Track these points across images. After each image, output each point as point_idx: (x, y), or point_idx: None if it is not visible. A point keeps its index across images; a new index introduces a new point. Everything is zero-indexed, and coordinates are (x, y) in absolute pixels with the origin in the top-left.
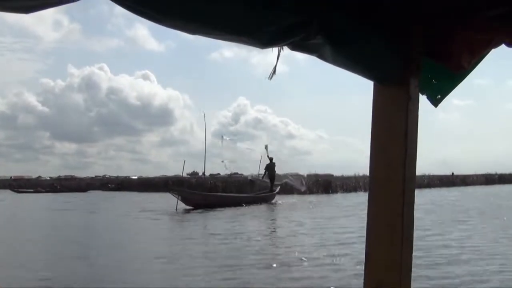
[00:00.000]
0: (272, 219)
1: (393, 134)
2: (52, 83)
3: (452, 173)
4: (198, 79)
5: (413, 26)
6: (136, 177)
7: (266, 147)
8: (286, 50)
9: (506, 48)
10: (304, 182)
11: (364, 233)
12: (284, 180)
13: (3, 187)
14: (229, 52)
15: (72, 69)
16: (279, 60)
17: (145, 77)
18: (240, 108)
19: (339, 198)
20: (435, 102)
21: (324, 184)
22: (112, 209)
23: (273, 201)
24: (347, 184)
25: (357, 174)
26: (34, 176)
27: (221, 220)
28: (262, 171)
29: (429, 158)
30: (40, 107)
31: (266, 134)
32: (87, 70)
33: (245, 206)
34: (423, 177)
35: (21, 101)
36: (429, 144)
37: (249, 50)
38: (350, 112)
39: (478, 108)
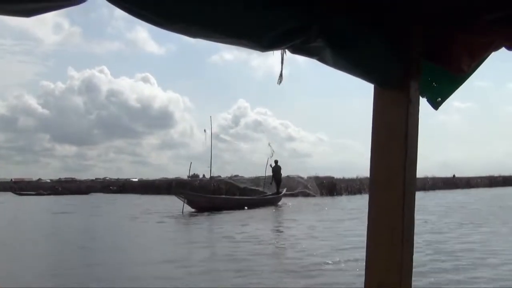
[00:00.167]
0: (281, 222)
1: (394, 137)
2: (52, 86)
3: (454, 175)
4: (198, 82)
5: (412, 29)
6: (136, 180)
7: (269, 144)
8: (287, 53)
9: (506, 51)
10: (317, 190)
11: None
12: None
13: (4, 189)
14: (229, 55)
15: (72, 72)
16: (281, 63)
17: (145, 80)
18: (240, 110)
19: (345, 201)
20: (436, 105)
21: (328, 187)
22: (117, 212)
23: (279, 203)
24: (352, 186)
25: (358, 176)
26: (35, 178)
27: (231, 223)
28: (267, 173)
29: (429, 161)
30: (40, 109)
31: (266, 136)
32: (87, 72)
33: (252, 208)
34: (427, 179)
35: (21, 104)
36: (429, 146)
37: (249, 53)
38: (351, 115)
39: (479, 110)
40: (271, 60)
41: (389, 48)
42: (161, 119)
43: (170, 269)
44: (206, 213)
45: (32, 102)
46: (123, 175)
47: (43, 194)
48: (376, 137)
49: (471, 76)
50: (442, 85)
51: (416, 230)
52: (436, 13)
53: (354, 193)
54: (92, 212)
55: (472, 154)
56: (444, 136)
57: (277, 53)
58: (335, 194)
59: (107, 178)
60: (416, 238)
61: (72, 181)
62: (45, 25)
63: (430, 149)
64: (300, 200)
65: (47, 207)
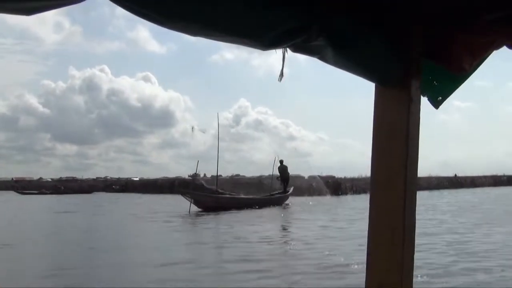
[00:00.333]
0: (292, 222)
1: (395, 136)
2: (53, 85)
3: (455, 175)
4: (199, 81)
5: (413, 27)
6: (137, 179)
7: (192, 128)
8: (288, 52)
9: (508, 50)
10: (322, 189)
11: None
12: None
13: (6, 188)
14: (230, 54)
15: (73, 71)
16: (282, 62)
17: (146, 79)
18: (241, 109)
19: (351, 200)
20: (436, 104)
21: (333, 186)
22: (123, 212)
23: (286, 202)
24: (357, 186)
25: (361, 175)
26: (36, 177)
27: (240, 223)
28: (273, 173)
29: (430, 160)
30: (41, 108)
31: (267, 136)
32: (88, 72)
33: (259, 208)
34: (431, 178)
35: (22, 103)
36: (430, 145)
37: (250, 52)
38: (351, 114)
39: (479, 110)
40: (272, 59)
41: (389, 47)
42: (162, 119)
43: (187, 270)
44: (213, 213)
45: (33, 101)
46: (124, 174)
47: (46, 193)
48: (377, 136)
49: (471, 76)
50: (443, 84)
51: (433, 230)
52: (436, 13)
53: (359, 192)
54: (98, 212)
55: (473, 154)
56: (444, 135)
57: (278, 52)
58: (340, 193)
59: (108, 177)
60: (435, 239)
61: (73, 180)
62: (46, 24)
63: (430, 148)
64: (306, 199)
65: (51, 206)
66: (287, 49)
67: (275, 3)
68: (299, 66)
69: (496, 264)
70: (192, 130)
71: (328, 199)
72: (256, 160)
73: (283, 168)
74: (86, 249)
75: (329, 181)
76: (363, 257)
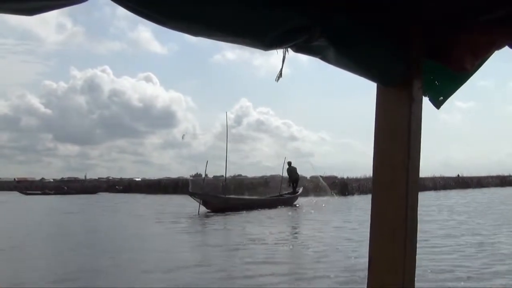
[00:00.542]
0: (305, 223)
1: (396, 136)
2: (54, 85)
3: (458, 175)
4: (201, 81)
5: (414, 28)
6: (139, 179)
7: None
8: (289, 52)
9: (510, 50)
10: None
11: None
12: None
13: (8, 188)
14: (231, 54)
15: (75, 72)
16: (282, 61)
17: (148, 79)
18: (243, 110)
19: (358, 200)
20: (438, 103)
21: (340, 186)
22: (132, 212)
23: (295, 203)
24: (364, 186)
25: (364, 176)
26: (37, 178)
27: (252, 224)
28: (285, 174)
29: (432, 160)
30: (42, 109)
31: (268, 136)
32: (89, 72)
33: (268, 209)
34: (438, 179)
35: (23, 103)
36: (431, 146)
37: (252, 52)
38: (353, 114)
39: (481, 110)
40: (274, 59)
41: (391, 47)
42: (163, 119)
43: (208, 274)
44: (222, 214)
45: (35, 101)
46: (125, 175)
47: (50, 194)
48: (379, 136)
49: (473, 76)
50: (445, 84)
51: (453, 232)
52: (437, 13)
53: (366, 193)
54: (108, 213)
55: (474, 154)
56: (446, 135)
57: (280, 52)
58: (347, 193)
59: (110, 178)
60: (459, 241)
61: (76, 180)
62: (48, 25)
63: (432, 148)
64: (314, 200)
65: (58, 207)
66: (289, 49)
67: (275, 3)
68: (301, 67)
69: None
70: (183, 138)
71: (336, 199)
72: (258, 161)
73: (291, 170)
74: (99, 252)
75: (336, 181)
76: None
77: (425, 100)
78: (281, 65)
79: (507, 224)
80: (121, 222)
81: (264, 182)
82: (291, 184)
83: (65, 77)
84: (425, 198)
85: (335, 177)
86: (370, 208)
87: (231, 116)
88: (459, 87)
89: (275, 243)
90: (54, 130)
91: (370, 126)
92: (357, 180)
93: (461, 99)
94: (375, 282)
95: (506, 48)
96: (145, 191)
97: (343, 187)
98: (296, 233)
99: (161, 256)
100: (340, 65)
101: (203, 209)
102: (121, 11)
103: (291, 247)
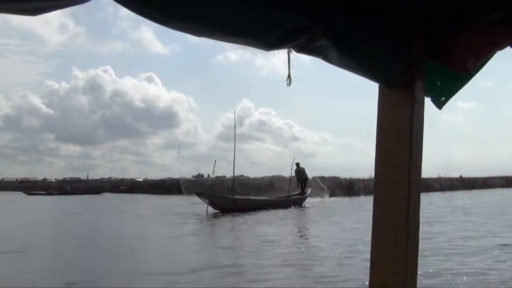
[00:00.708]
0: (317, 224)
1: (399, 137)
2: (56, 86)
3: (461, 176)
4: (203, 82)
5: (415, 28)
6: (141, 179)
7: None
8: (292, 53)
9: (511, 50)
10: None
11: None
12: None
13: (12, 189)
14: (233, 55)
15: (77, 72)
16: (284, 63)
17: (150, 80)
18: (245, 110)
19: (365, 201)
20: (440, 104)
21: (347, 187)
22: (139, 213)
23: (304, 203)
24: (370, 186)
25: (369, 176)
26: (39, 178)
27: (262, 225)
28: (292, 175)
29: (434, 161)
30: (44, 109)
31: (270, 136)
32: (91, 72)
33: (277, 209)
34: (445, 179)
35: (26, 104)
36: (433, 146)
37: (254, 53)
38: (355, 114)
39: (483, 110)
40: (275, 60)
41: (391, 47)
42: (165, 119)
43: (223, 277)
44: (230, 215)
45: (37, 102)
46: (127, 175)
47: (54, 194)
48: (381, 137)
49: (475, 76)
50: (446, 84)
51: (473, 234)
52: (437, 12)
53: (372, 194)
54: (117, 214)
55: (477, 155)
56: (447, 136)
57: (281, 53)
58: (353, 194)
59: (112, 178)
60: (482, 243)
61: (78, 180)
62: (50, 25)
63: (434, 149)
64: (321, 200)
65: (64, 208)
66: (292, 49)
67: (275, 3)
68: (303, 67)
69: None
70: (178, 152)
71: (344, 200)
72: (259, 161)
73: (299, 171)
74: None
75: (342, 182)
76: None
77: (427, 101)
78: (287, 68)
79: None
80: (132, 224)
81: (269, 183)
82: (299, 185)
83: (67, 77)
84: (434, 199)
85: (338, 178)
86: None
87: (233, 116)
88: (461, 87)
89: (289, 245)
90: (56, 130)
91: (372, 127)
92: (363, 180)
93: (463, 100)
94: (376, 282)
95: (508, 48)
96: (149, 191)
97: (349, 187)
98: (308, 234)
99: (171, 259)
100: (342, 65)
101: (211, 209)
102: (124, 11)
103: (311, 249)
